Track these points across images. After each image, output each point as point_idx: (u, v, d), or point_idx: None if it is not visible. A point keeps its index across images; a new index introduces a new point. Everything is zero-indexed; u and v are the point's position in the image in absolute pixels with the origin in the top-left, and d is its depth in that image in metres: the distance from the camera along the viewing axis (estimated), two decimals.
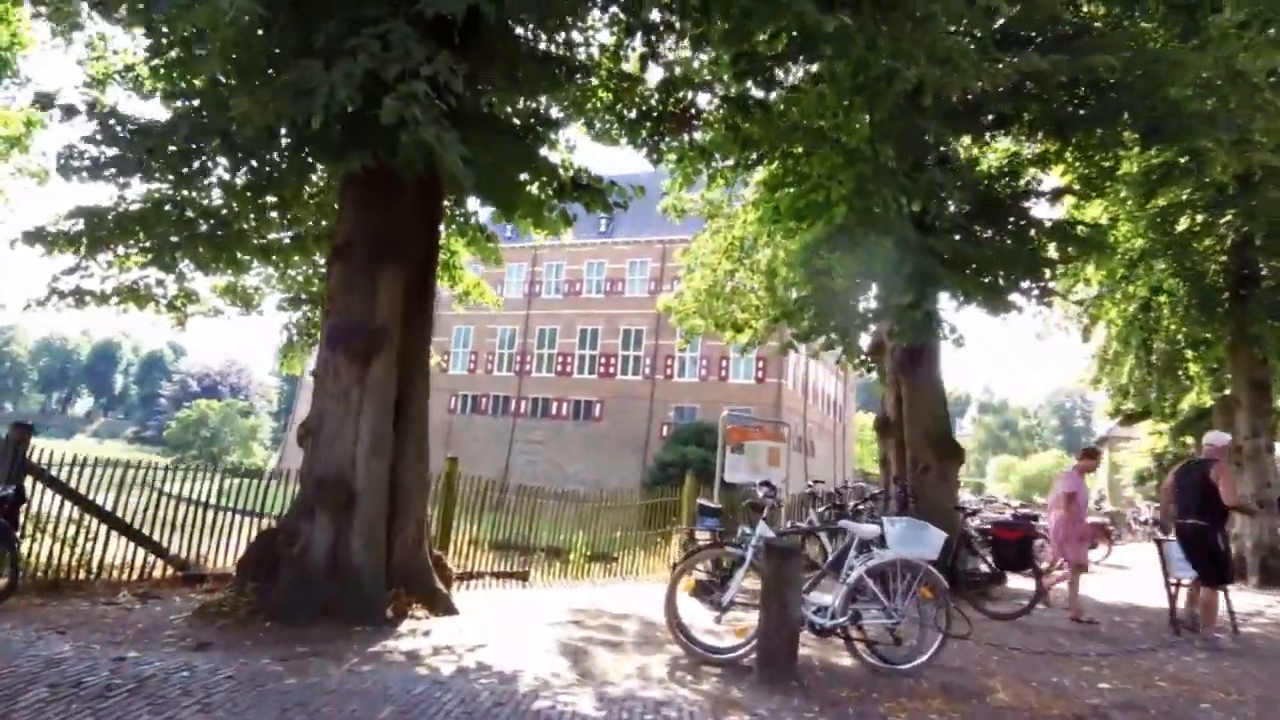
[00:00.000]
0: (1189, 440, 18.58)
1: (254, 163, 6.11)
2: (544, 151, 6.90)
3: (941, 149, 8.29)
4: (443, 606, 5.89)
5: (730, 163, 8.87)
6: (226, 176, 6.31)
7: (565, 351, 43.91)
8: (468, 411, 45.87)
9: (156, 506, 6.67)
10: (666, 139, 8.12)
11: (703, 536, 7.01)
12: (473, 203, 7.94)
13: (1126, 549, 18.13)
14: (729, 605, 5.12)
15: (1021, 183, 9.93)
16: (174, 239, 6.66)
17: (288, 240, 7.54)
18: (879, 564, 4.94)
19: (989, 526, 8.17)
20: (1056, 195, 10.55)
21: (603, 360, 43.03)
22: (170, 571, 6.61)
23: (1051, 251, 9.63)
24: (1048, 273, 9.51)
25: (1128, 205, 11.82)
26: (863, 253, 7.29)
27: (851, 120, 6.73)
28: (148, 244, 6.75)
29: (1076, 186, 10.24)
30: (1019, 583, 8.49)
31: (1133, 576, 12.22)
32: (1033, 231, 9.27)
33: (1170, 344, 13.87)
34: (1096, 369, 16.86)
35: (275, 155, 6.06)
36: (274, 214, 7.20)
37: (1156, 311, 13.64)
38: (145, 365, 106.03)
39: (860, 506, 9.46)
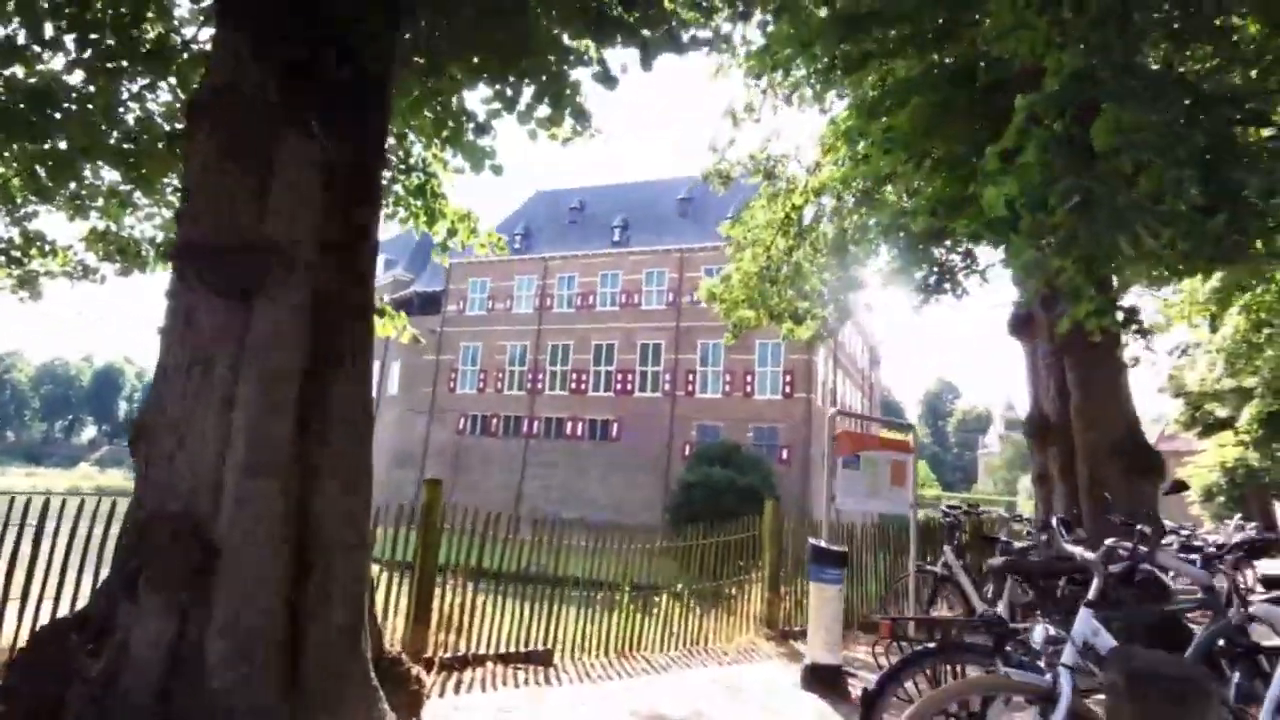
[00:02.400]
0: None
1: None
2: None
3: None
4: None
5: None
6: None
7: (579, 368, 41.23)
8: (477, 433, 43.17)
9: None
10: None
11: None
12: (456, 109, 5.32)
13: None
14: None
15: None
16: None
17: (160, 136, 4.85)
18: None
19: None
20: None
21: (619, 377, 40.33)
22: None
23: None
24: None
25: None
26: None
27: None
28: None
29: None
30: None
31: None
32: None
33: None
34: (1197, 368, 14.10)
35: None
36: (134, 82, 4.57)
37: None
38: (148, 391, 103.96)
39: (1019, 543, 6.77)
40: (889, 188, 10.36)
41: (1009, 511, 7.52)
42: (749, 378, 37.57)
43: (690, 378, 38.70)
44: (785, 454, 35.77)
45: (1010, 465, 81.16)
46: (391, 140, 5.59)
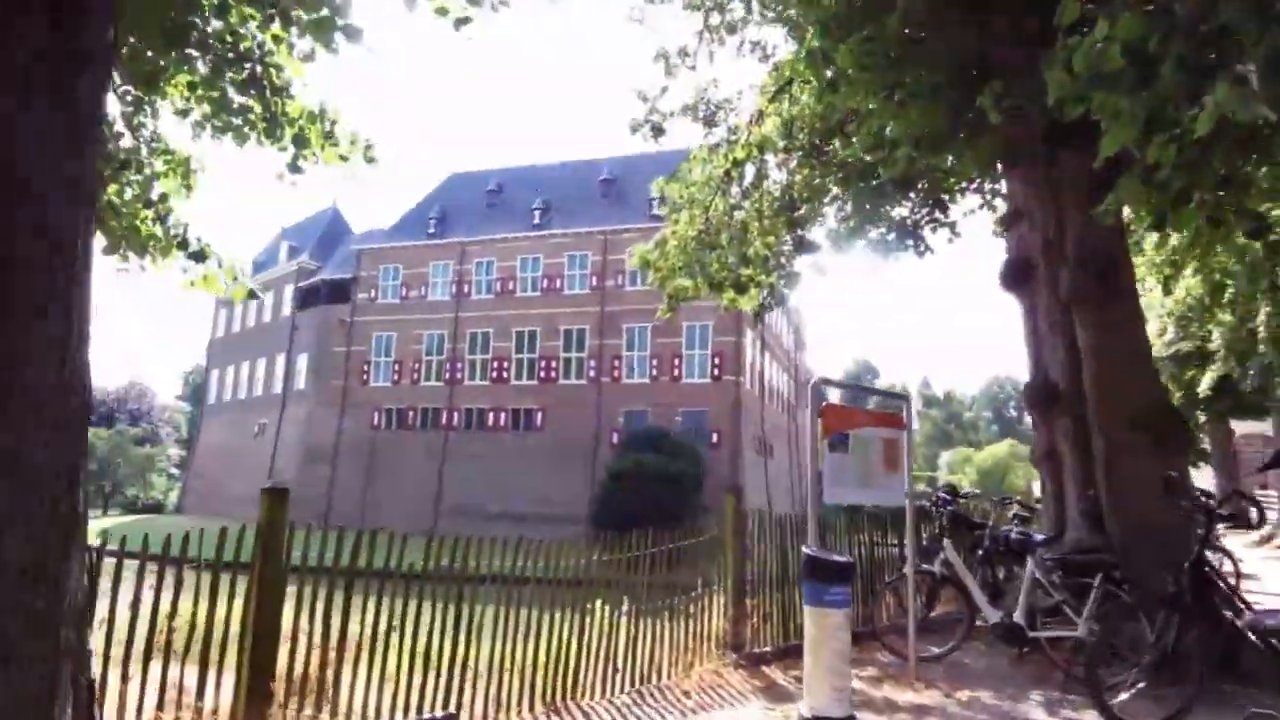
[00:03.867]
0: None
1: None
2: None
3: None
4: None
5: None
6: None
7: (500, 356, 39.31)
8: (394, 427, 40.79)
9: None
10: None
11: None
12: None
13: None
14: None
15: None
16: None
17: None
18: None
19: None
20: None
21: (542, 364, 38.66)
22: None
23: None
24: None
25: None
26: None
27: None
28: None
29: None
30: None
31: None
32: None
33: None
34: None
35: None
36: None
37: None
38: None
39: (1021, 532, 5.71)
40: (836, 142, 9.24)
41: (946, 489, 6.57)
42: (676, 361, 36.57)
43: (616, 363, 37.42)
44: (716, 438, 34.96)
45: (930, 442, 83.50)
46: (219, 24, 3.98)
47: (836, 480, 4.79)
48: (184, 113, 4.18)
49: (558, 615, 4.91)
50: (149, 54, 3.93)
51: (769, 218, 10.37)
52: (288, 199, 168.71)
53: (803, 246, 10.31)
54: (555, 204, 41.28)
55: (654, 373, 36.88)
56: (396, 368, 41.40)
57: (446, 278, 41.54)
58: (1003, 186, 7.68)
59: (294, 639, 3.79)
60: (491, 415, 38.80)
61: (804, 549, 4.32)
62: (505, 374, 39.13)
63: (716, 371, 36.08)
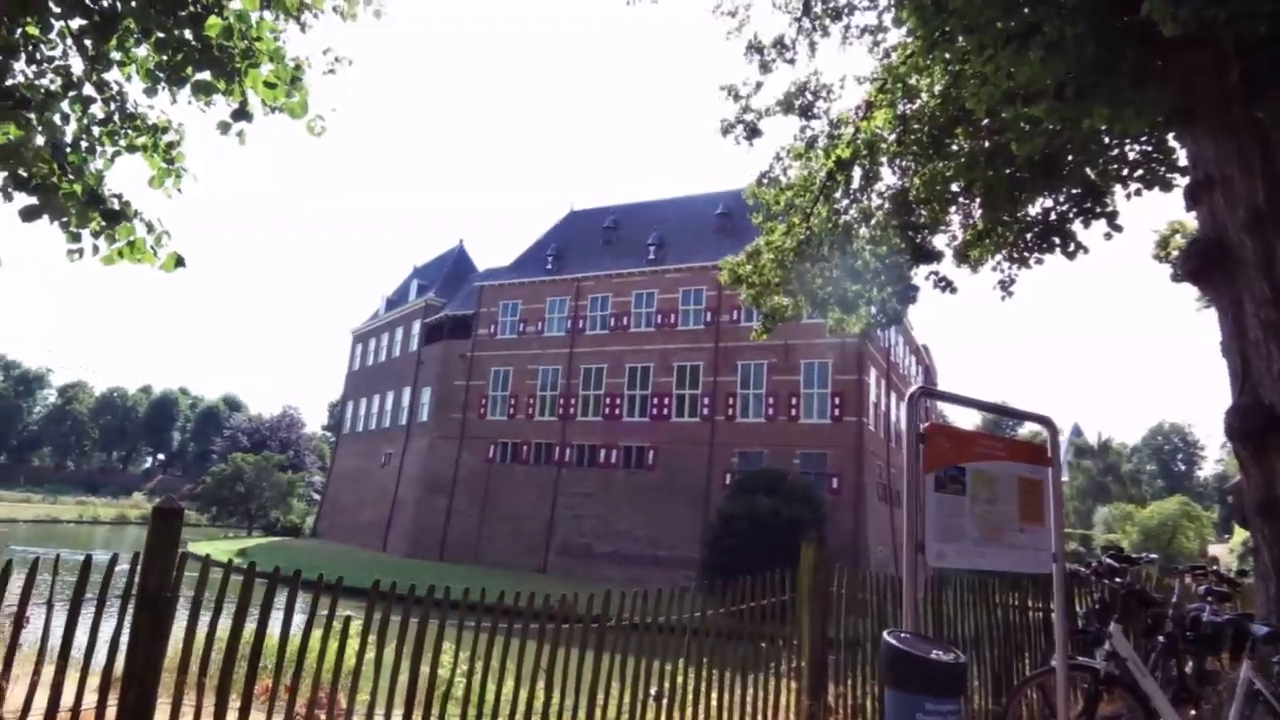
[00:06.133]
0: None
1: None
2: None
3: None
4: None
5: None
6: None
7: (613, 392, 38.79)
8: (508, 461, 41.00)
9: None
10: None
11: None
12: None
13: None
14: None
15: None
16: None
17: None
18: None
19: None
20: None
21: (655, 401, 37.78)
22: None
23: None
24: None
25: None
26: None
27: None
28: None
29: None
30: None
31: None
32: None
33: None
34: None
35: None
36: None
37: None
38: (201, 420, 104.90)
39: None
40: (959, 133, 7.84)
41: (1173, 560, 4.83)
42: (794, 400, 34.70)
43: (730, 401, 35.98)
44: (835, 482, 32.68)
45: (1082, 495, 75.93)
46: None
47: (945, 533, 3.36)
48: (129, 63, 3.55)
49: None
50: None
51: (880, 225, 8.99)
52: (419, 237, 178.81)
53: (921, 255, 8.84)
54: (670, 239, 40.80)
55: (770, 411, 35.15)
56: (512, 402, 41.76)
57: (562, 313, 41.75)
58: (1181, 157, 5.99)
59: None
60: (603, 452, 38.19)
61: (886, 636, 2.90)
62: (618, 410, 38.54)
63: (837, 412, 33.91)
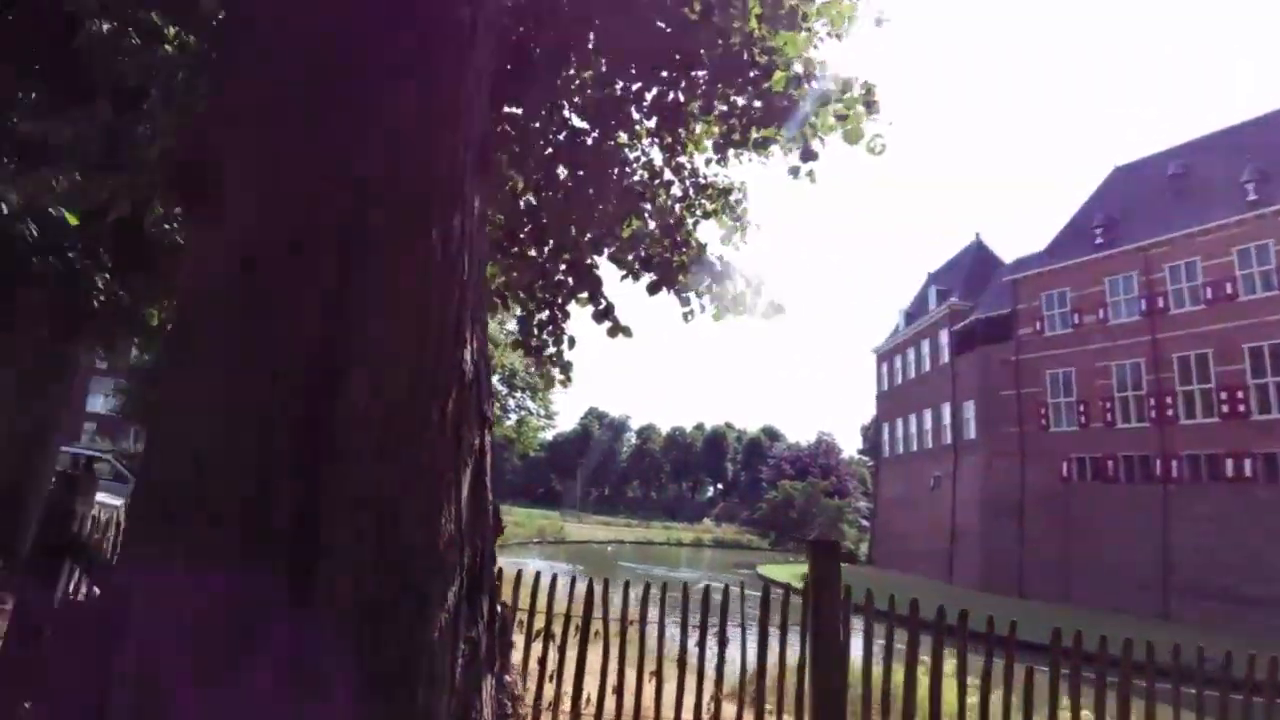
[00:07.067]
0: None
1: None
2: None
3: None
4: None
5: None
6: None
7: (1230, 384, 29.67)
8: (1088, 478, 34.62)
9: None
10: None
11: None
12: None
13: None
14: None
15: None
16: None
17: None
18: None
19: None
20: None
21: None
22: None
23: None
24: None
25: None
26: None
27: None
28: None
29: None
30: None
31: None
32: None
33: None
34: None
35: None
36: None
37: None
38: (747, 451, 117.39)
39: None
40: None
41: None
42: None
43: None
44: None
45: None
46: None
47: None
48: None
49: None
50: None
51: None
52: (928, 242, 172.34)
53: None
54: (1276, 168, 30.00)
55: None
56: (1082, 408, 35.32)
57: (1130, 293, 34.02)
58: None
59: None
60: (1229, 463, 29.36)
61: None
62: (1241, 407, 29.34)
63: None
